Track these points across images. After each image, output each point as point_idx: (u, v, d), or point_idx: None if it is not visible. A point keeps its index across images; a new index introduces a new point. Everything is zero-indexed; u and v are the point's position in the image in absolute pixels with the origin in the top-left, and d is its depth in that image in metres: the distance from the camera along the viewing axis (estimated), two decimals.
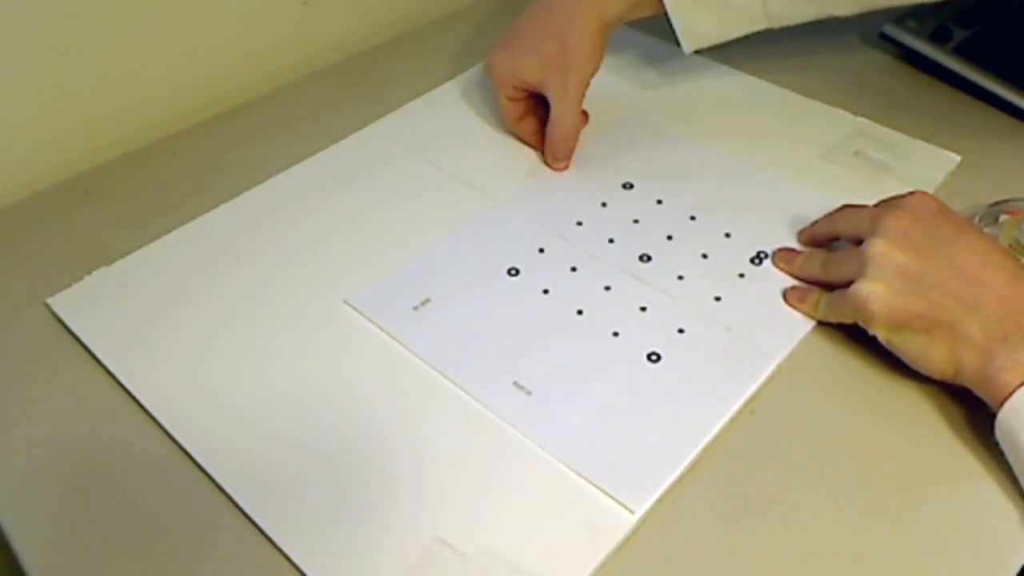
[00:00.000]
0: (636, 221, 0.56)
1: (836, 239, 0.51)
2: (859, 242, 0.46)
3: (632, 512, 0.40)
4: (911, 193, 0.47)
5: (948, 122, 0.62)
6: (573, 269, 0.52)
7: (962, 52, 0.65)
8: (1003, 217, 0.53)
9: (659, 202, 0.57)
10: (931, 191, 0.56)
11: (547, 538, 0.40)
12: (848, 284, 0.45)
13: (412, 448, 0.43)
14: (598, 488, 0.41)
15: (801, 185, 0.58)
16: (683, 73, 0.68)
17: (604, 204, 0.57)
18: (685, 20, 0.57)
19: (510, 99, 0.60)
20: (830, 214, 0.51)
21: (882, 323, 0.44)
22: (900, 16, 0.68)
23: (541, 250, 0.54)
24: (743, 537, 0.40)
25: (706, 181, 0.58)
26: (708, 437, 0.43)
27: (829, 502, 0.41)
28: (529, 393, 0.45)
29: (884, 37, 0.68)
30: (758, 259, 0.53)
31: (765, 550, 0.40)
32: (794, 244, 0.53)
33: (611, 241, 0.54)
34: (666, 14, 0.57)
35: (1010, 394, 0.40)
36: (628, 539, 0.40)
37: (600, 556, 0.39)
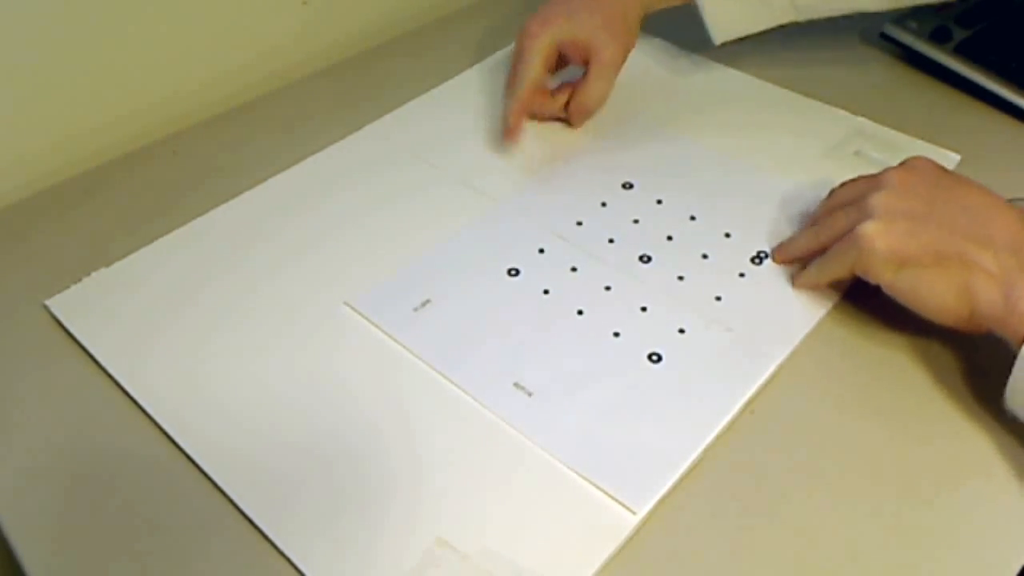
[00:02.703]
0: (636, 221, 0.56)
1: None
2: None
3: (634, 513, 0.40)
4: (906, 160, 0.47)
5: (948, 122, 0.62)
6: (573, 269, 0.52)
7: (962, 52, 0.65)
8: None
9: (659, 202, 0.57)
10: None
11: (549, 539, 0.40)
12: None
13: (413, 449, 0.43)
14: (599, 489, 0.41)
15: (801, 184, 0.57)
16: (683, 73, 0.68)
17: (604, 204, 0.57)
18: (715, 13, 0.59)
19: (544, 61, 0.59)
20: (828, 197, 0.51)
21: (885, 260, 0.43)
22: (900, 16, 0.68)
23: (541, 250, 0.54)
24: (744, 537, 0.40)
25: (706, 181, 0.58)
26: (709, 437, 0.43)
27: (829, 502, 0.41)
28: (530, 394, 0.45)
29: (884, 37, 0.68)
30: (758, 259, 0.53)
31: (766, 550, 0.40)
32: None
33: (611, 241, 0.54)
34: (695, 5, 0.59)
35: None
36: (630, 540, 0.40)
37: (602, 557, 0.39)
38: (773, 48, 0.69)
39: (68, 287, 0.52)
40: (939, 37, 0.66)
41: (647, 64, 0.69)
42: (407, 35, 0.76)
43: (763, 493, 0.42)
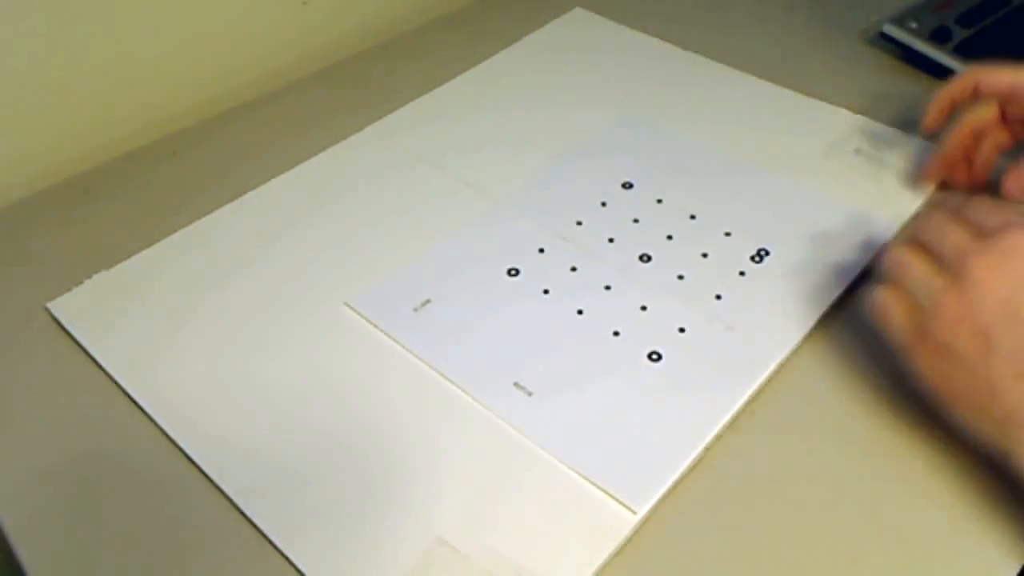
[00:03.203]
0: (636, 221, 0.56)
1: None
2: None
3: (634, 512, 0.40)
4: (1007, 229, 0.39)
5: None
6: (573, 269, 0.52)
7: (962, 52, 0.64)
8: None
9: (659, 201, 0.57)
10: (931, 189, 0.56)
11: (549, 539, 0.40)
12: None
13: (413, 449, 0.43)
14: (599, 488, 0.41)
15: (801, 183, 0.58)
16: (683, 73, 0.68)
17: (604, 204, 0.57)
18: None
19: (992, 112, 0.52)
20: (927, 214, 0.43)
21: (910, 355, 0.40)
22: (900, 16, 0.68)
23: (541, 250, 0.54)
24: (744, 537, 0.40)
25: (706, 180, 0.58)
26: (709, 437, 0.43)
27: (829, 502, 0.41)
28: (530, 394, 0.45)
29: (884, 37, 0.68)
30: (758, 257, 0.53)
31: (766, 550, 0.39)
32: (794, 243, 0.53)
33: (611, 241, 0.54)
34: None
35: None
36: (630, 539, 0.40)
37: (602, 556, 0.39)
38: (773, 49, 0.69)
39: (69, 289, 0.52)
40: (939, 37, 0.66)
41: (647, 64, 0.70)
42: (407, 35, 0.76)
43: (763, 493, 0.42)
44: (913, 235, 0.43)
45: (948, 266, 0.40)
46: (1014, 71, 0.51)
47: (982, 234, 0.40)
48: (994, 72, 0.51)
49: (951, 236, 0.41)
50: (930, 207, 0.43)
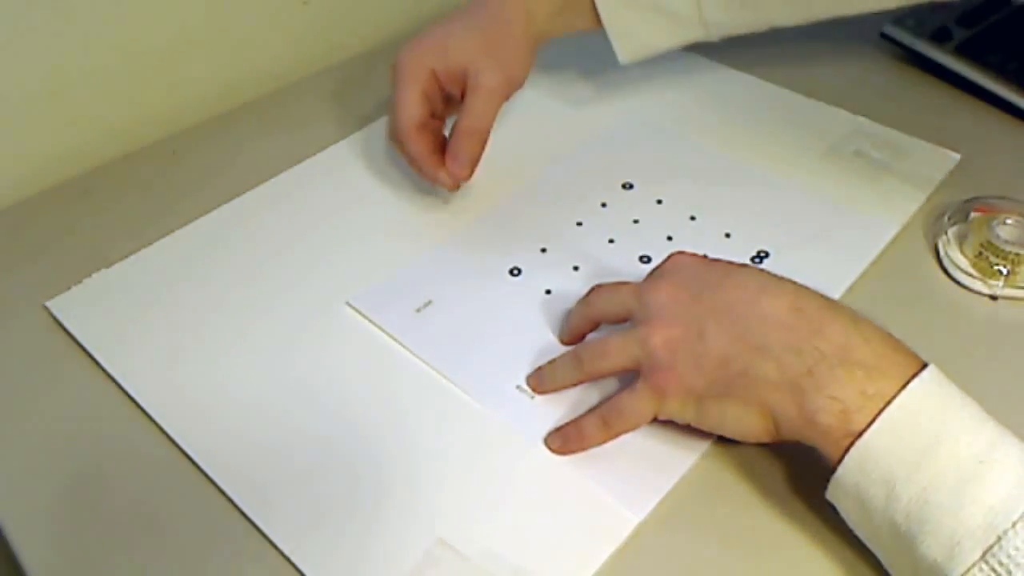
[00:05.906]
0: (636, 221, 0.56)
1: (597, 326, 0.46)
2: (622, 322, 0.43)
3: (634, 515, 0.40)
4: (666, 259, 0.43)
5: (948, 122, 0.62)
6: (575, 268, 0.52)
7: (962, 52, 0.65)
8: (974, 215, 0.52)
9: (659, 202, 0.57)
10: (931, 189, 0.57)
11: (549, 541, 0.40)
12: (619, 374, 0.43)
13: (414, 450, 0.43)
14: (600, 490, 0.41)
15: (801, 184, 0.58)
16: (683, 73, 0.68)
17: (604, 204, 0.57)
18: (619, 29, 0.56)
19: (424, 92, 0.53)
20: (583, 298, 0.46)
21: (682, 404, 0.40)
22: (900, 16, 0.68)
23: (543, 250, 0.54)
24: (744, 538, 0.40)
25: (706, 181, 0.58)
26: (711, 439, 0.43)
27: (828, 505, 0.41)
28: (532, 396, 0.45)
29: (884, 37, 0.68)
30: (758, 259, 0.53)
31: (766, 551, 0.39)
32: (793, 244, 0.53)
33: (611, 242, 0.54)
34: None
35: (848, 447, 0.35)
36: (629, 542, 0.40)
37: (601, 559, 0.39)
38: (773, 48, 0.69)
39: (68, 288, 0.52)
40: (939, 37, 0.66)
41: (646, 65, 0.69)
42: (407, 35, 0.76)
43: (763, 494, 0.42)
44: (585, 314, 0.46)
45: (635, 314, 0.42)
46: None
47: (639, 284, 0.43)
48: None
49: (620, 291, 0.44)
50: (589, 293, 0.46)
